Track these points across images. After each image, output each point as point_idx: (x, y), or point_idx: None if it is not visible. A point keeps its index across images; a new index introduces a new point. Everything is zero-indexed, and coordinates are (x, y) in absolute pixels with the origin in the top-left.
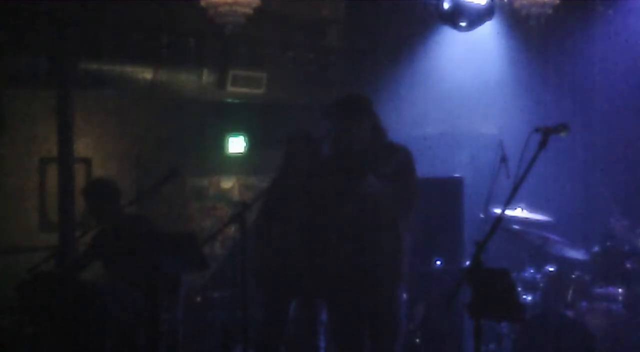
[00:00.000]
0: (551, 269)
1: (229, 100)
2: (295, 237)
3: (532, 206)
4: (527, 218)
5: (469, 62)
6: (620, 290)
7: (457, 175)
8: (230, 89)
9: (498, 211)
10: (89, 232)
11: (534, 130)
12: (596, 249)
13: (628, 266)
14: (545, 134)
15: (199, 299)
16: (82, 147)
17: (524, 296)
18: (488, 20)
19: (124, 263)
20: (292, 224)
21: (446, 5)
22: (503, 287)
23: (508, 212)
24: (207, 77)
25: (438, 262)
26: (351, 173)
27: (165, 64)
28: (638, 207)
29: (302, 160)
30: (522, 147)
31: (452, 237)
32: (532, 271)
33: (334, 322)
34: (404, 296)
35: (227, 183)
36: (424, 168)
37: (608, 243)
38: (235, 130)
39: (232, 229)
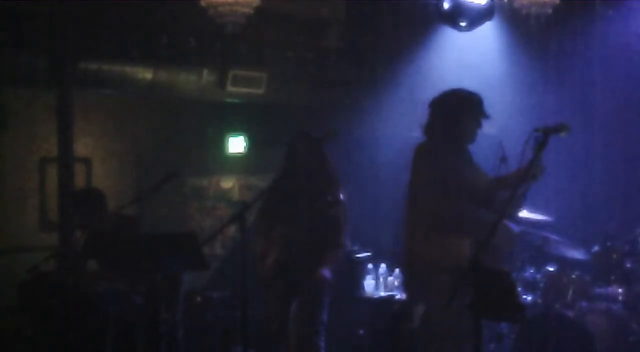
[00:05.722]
0: (551, 269)
1: (229, 100)
2: (295, 237)
3: (532, 206)
4: (527, 218)
5: (469, 62)
6: (620, 290)
7: None
8: (230, 89)
9: None
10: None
11: (534, 130)
12: (596, 249)
13: (628, 266)
14: (545, 134)
15: (199, 299)
16: (82, 147)
17: (524, 296)
18: (488, 20)
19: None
20: (292, 223)
21: (446, 5)
22: (503, 287)
23: None
24: (207, 77)
25: None
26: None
27: (165, 64)
28: (638, 207)
29: (303, 161)
30: (522, 147)
31: None
32: (532, 271)
33: None
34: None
35: (227, 183)
36: None
37: (608, 243)
38: (235, 130)
39: (232, 229)
